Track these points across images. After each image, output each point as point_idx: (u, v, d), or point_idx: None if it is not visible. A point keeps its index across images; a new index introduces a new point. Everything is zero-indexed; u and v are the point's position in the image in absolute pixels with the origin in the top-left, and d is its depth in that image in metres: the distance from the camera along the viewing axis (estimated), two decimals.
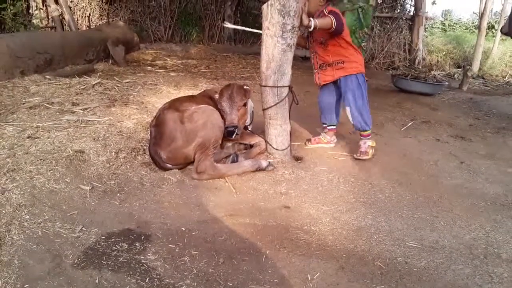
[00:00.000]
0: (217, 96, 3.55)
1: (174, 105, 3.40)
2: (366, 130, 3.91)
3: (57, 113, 3.94)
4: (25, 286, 2.02)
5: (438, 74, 8.20)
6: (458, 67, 10.29)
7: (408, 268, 2.40)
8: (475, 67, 8.64)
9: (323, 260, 2.44)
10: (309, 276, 2.29)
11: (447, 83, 7.60)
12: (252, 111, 3.86)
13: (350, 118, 3.91)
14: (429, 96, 7.08)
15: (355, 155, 3.93)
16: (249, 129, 3.83)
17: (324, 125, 4.23)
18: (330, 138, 4.24)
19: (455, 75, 9.57)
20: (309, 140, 4.27)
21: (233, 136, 3.41)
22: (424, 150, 4.29)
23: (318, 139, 4.24)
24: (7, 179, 2.76)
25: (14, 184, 2.73)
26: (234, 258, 2.39)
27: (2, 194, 2.61)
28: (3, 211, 2.50)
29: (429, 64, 9.77)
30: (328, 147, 4.21)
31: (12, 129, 3.50)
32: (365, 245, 2.62)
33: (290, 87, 3.63)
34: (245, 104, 3.57)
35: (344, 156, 4.03)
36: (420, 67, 9.02)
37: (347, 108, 3.88)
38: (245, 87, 3.62)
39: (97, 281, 2.10)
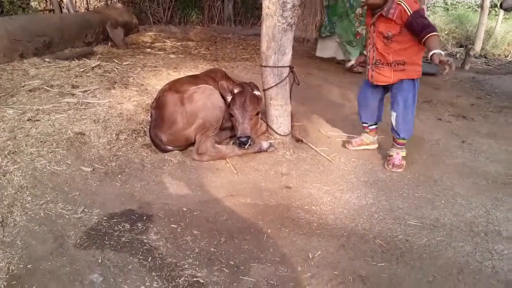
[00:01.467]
0: (228, 98, 3.44)
1: (174, 86, 3.38)
2: (405, 139, 3.37)
3: (57, 96, 3.92)
4: (28, 266, 2.04)
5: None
6: (461, 46, 10.20)
7: (409, 246, 2.41)
8: (478, 46, 8.53)
9: (324, 238, 2.45)
10: (310, 254, 2.31)
11: None
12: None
13: (394, 125, 3.34)
14: (431, 76, 7.02)
15: (386, 166, 3.39)
16: None
17: (365, 125, 3.71)
18: (373, 138, 3.74)
19: (457, 55, 9.49)
20: (349, 142, 3.78)
21: (246, 147, 3.33)
22: (426, 129, 4.27)
23: (360, 141, 3.74)
24: (8, 161, 2.76)
25: (15, 166, 2.73)
26: (235, 238, 2.41)
27: (4, 176, 2.62)
28: (5, 193, 2.51)
29: None
30: (371, 148, 3.75)
31: (12, 112, 3.49)
32: (366, 223, 2.63)
33: (291, 68, 3.59)
34: (257, 113, 3.49)
35: (345, 137, 4.01)
36: None
37: (394, 114, 3.31)
38: (257, 93, 3.50)
39: (100, 260, 2.11)
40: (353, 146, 3.72)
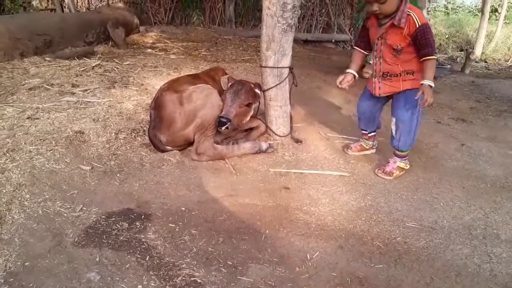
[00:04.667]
0: (225, 81, 3.49)
1: (173, 86, 3.37)
2: (404, 151, 3.26)
3: (57, 95, 3.92)
4: (26, 263, 2.04)
5: (440, 57, 8.13)
6: (461, 50, 10.21)
7: (407, 248, 2.41)
8: (478, 50, 8.56)
9: (322, 239, 2.45)
10: (308, 255, 2.30)
11: (449, 66, 7.56)
12: (259, 104, 3.72)
13: (394, 133, 3.20)
14: None
15: (376, 171, 3.33)
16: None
17: (365, 132, 3.63)
18: (371, 143, 3.67)
19: (458, 59, 9.49)
20: (348, 147, 3.70)
21: (223, 128, 3.26)
22: (425, 132, 4.27)
23: (360, 146, 3.67)
24: (7, 159, 2.76)
25: (14, 164, 2.73)
26: (233, 238, 2.40)
27: (2, 174, 2.62)
28: (4, 190, 2.50)
29: None
30: (370, 153, 3.69)
31: (12, 110, 3.50)
32: (364, 225, 2.63)
33: (290, 68, 3.60)
34: (249, 105, 3.46)
35: (344, 139, 4.01)
36: None
37: (394, 120, 3.17)
38: (257, 91, 3.52)
39: (97, 259, 2.11)
40: (353, 152, 3.65)
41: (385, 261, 2.29)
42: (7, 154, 2.81)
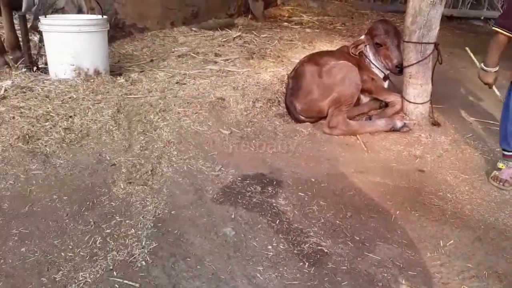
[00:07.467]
0: (363, 40, 3.58)
1: (314, 58, 3.43)
2: None
3: (202, 63, 4.23)
4: (172, 212, 2.28)
5: None
6: None
7: None
8: None
9: (458, 228, 2.32)
10: (441, 242, 2.20)
11: None
12: None
13: None
14: None
15: (492, 181, 2.78)
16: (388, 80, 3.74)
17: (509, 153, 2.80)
18: None
19: None
20: (501, 180, 2.74)
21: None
22: None
23: None
24: (159, 118, 3.08)
25: (165, 123, 3.03)
26: (362, 214, 2.39)
27: (155, 130, 2.93)
28: (155, 146, 2.81)
29: None
30: None
31: (163, 74, 3.87)
32: (508, 219, 2.42)
33: (436, 44, 3.36)
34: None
35: (491, 125, 3.65)
36: None
37: None
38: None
39: (233, 216, 2.27)
40: (511, 184, 2.72)
41: None
42: (159, 114, 3.13)
